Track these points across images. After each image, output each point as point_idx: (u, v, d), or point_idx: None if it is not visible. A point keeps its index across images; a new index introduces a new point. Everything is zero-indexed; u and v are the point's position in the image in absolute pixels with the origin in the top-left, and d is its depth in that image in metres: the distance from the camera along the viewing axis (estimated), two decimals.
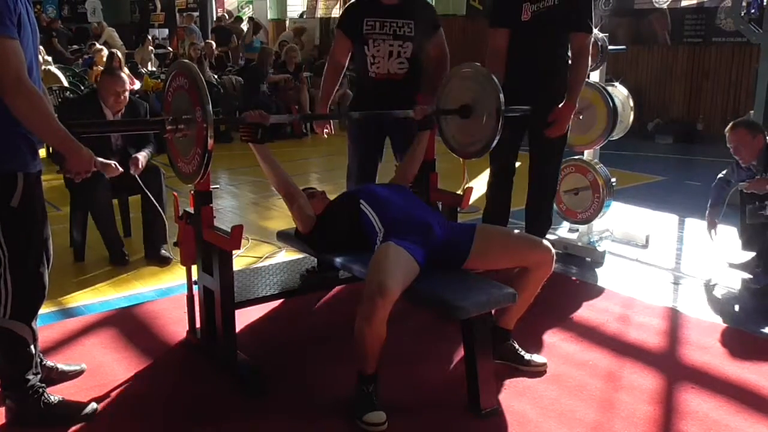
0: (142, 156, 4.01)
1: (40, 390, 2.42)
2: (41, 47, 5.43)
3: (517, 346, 2.84)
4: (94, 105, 4.05)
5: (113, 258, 4.14)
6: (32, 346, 2.38)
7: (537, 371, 2.79)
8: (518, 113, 3.30)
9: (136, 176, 3.96)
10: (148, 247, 4.21)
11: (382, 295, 2.30)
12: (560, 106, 3.42)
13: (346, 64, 3.80)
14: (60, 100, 7.09)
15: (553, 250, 2.70)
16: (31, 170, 2.27)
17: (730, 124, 3.72)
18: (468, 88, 3.24)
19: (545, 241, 2.74)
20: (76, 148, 2.27)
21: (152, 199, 3.98)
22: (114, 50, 8.94)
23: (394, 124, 3.59)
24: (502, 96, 3.03)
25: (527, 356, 2.83)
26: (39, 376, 2.44)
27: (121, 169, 3.74)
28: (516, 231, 2.81)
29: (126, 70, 8.49)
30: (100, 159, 3.92)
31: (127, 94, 4.07)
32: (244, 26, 13.20)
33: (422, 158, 3.29)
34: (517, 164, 3.72)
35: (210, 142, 2.44)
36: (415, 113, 3.17)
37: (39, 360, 2.58)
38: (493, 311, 2.76)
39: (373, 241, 2.67)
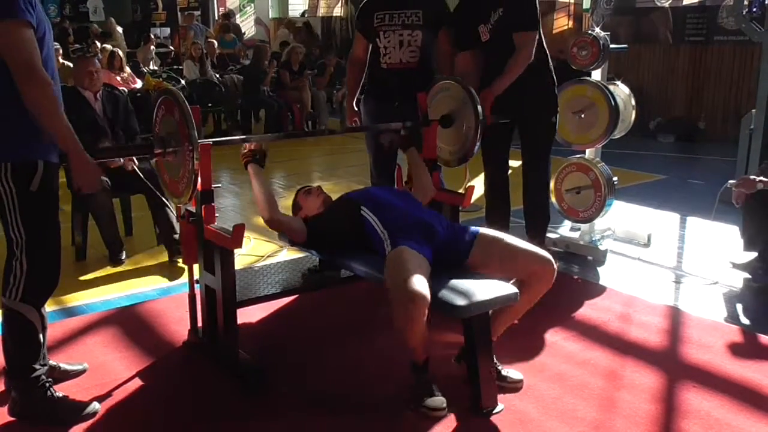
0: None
1: (47, 384, 2.43)
2: (56, 43, 5.67)
3: (495, 359, 2.66)
4: (73, 93, 4.14)
5: (112, 258, 4.16)
6: (40, 335, 2.40)
7: (512, 387, 2.63)
8: (502, 119, 3.43)
9: (136, 170, 4.04)
10: (161, 240, 4.27)
11: (414, 301, 2.30)
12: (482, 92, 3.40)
13: (367, 58, 3.91)
14: None
15: (555, 264, 2.61)
16: (51, 160, 2.32)
17: None
18: (447, 99, 3.33)
19: (547, 254, 2.63)
20: (80, 150, 2.31)
21: (152, 188, 4.00)
22: (115, 49, 8.92)
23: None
24: (480, 107, 3.15)
25: (504, 371, 2.68)
26: (46, 368, 2.46)
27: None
28: (518, 241, 2.67)
29: (128, 69, 8.49)
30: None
31: (100, 73, 4.26)
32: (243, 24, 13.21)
33: (428, 177, 3.19)
34: (518, 163, 3.72)
35: (196, 164, 2.53)
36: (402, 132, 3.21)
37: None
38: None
39: (378, 245, 2.67)
